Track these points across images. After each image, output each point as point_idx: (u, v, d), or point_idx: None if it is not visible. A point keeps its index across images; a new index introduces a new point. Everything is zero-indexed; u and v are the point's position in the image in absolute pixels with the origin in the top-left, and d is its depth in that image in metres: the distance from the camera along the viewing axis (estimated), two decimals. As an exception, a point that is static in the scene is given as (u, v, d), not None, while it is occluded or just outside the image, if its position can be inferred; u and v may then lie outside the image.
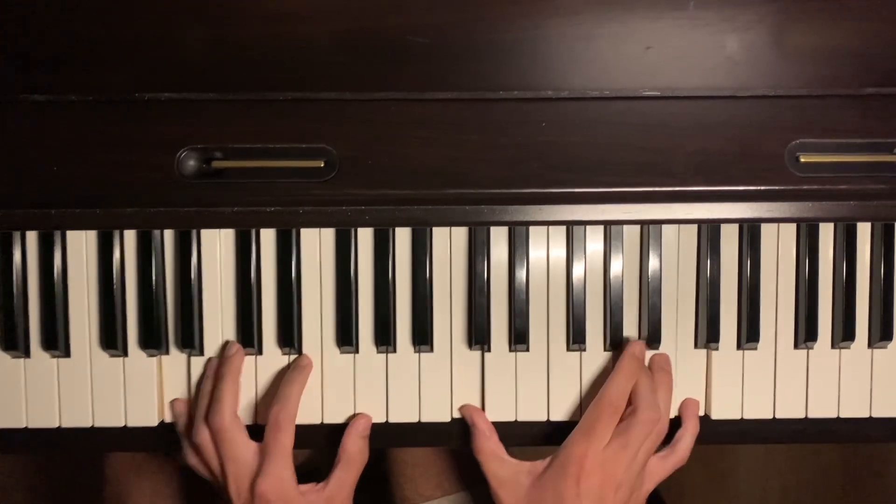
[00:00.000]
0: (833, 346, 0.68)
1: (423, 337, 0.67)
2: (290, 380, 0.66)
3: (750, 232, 0.67)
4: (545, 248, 0.68)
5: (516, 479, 0.63)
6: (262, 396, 0.68)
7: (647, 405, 0.63)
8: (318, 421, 0.67)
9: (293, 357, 0.68)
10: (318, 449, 0.67)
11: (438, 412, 0.68)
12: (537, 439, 0.68)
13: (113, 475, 0.80)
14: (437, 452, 0.79)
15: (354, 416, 0.67)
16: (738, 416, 0.68)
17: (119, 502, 0.80)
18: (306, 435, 0.67)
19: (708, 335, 0.67)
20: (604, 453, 0.61)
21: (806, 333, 0.67)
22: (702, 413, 0.68)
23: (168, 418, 0.68)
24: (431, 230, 0.67)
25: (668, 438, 0.66)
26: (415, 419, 0.68)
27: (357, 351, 0.68)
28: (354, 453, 0.65)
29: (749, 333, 0.67)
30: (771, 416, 0.68)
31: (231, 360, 0.66)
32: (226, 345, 0.67)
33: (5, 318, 0.66)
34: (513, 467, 0.64)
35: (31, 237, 0.67)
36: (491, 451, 0.64)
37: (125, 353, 0.67)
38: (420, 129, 0.62)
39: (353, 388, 0.68)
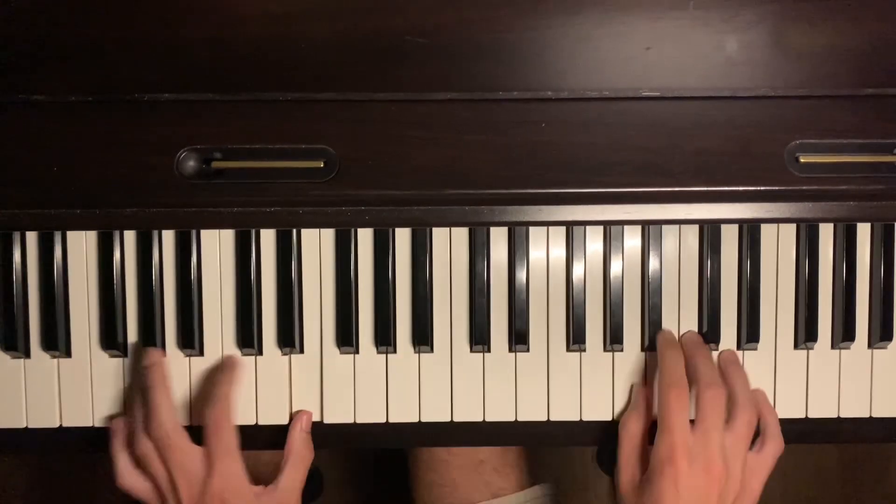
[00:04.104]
0: (833, 347, 0.68)
1: (423, 337, 0.67)
2: (220, 380, 0.65)
3: (750, 232, 0.67)
4: (545, 249, 0.68)
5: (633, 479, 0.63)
6: (261, 398, 0.68)
7: (705, 379, 0.62)
8: (317, 420, 0.67)
9: (294, 357, 0.68)
10: (316, 449, 0.67)
11: (439, 413, 0.68)
12: (538, 439, 0.68)
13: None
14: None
15: (297, 413, 0.67)
16: (738, 417, 0.68)
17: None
18: (306, 435, 0.68)
19: (708, 335, 0.67)
20: (691, 445, 0.59)
21: (806, 334, 0.67)
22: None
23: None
24: (431, 231, 0.67)
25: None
26: (415, 419, 0.68)
27: (357, 351, 0.68)
28: (301, 449, 0.65)
29: (749, 333, 0.67)
30: (771, 417, 0.68)
31: (154, 368, 0.65)
32: (145, 353, 0.66)
33: (5, 318, 0.67)
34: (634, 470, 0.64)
35: (31, 237, 0.67)
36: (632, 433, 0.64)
37: (125, 354, 0.67)
38: (420, 130, 0.62)
39: (353, 388, 0.68)
